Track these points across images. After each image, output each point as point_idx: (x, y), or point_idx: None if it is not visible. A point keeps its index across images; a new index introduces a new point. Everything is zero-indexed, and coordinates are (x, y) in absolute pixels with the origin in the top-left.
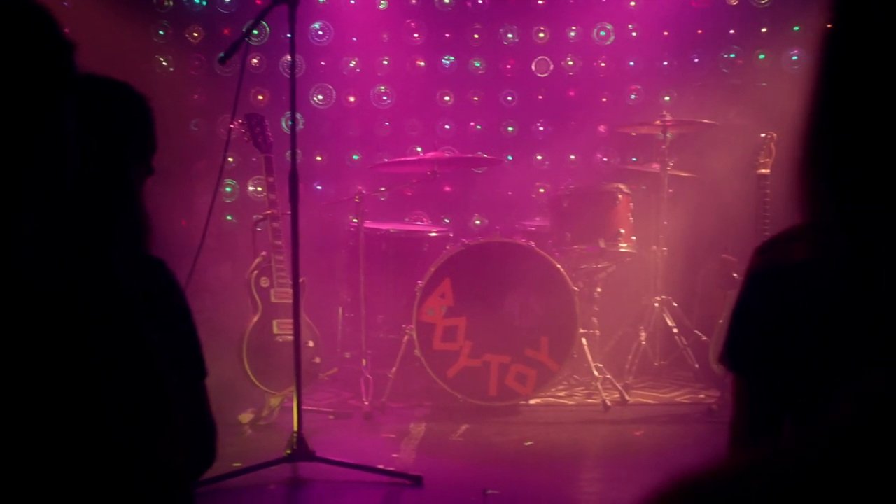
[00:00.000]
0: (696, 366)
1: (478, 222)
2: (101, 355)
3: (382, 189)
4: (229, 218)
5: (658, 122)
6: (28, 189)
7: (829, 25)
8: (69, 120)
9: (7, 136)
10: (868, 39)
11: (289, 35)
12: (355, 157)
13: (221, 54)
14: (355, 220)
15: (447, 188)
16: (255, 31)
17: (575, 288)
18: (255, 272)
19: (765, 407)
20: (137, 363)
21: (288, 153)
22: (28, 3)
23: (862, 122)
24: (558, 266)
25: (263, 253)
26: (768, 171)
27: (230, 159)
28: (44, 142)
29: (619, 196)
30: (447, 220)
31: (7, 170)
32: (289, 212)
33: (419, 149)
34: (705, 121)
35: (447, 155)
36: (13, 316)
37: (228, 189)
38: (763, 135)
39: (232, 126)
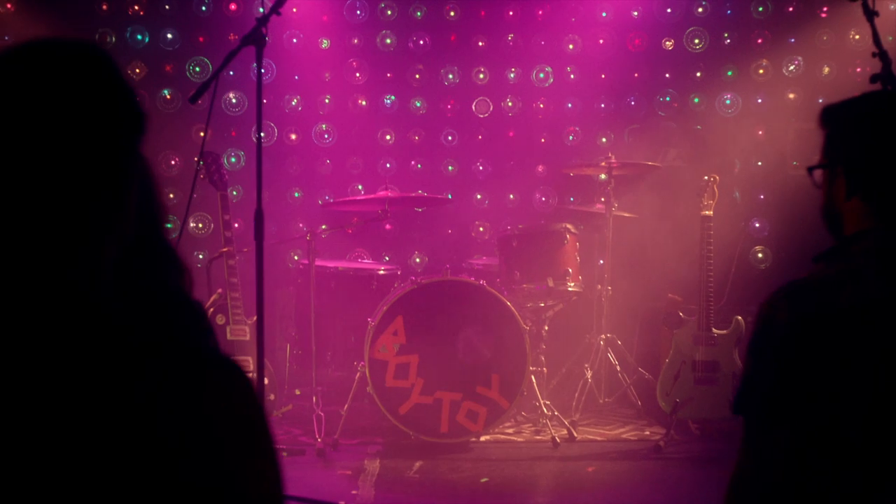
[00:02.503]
0: (639, 403)
1: (418, 260)
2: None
3: (324, 227)
4: None
5: (603, 163)
6: (112, 230)
7: None
8: (140, 159)
9: (97, 181)
10: None
11: (231, 73)
12: (297, 194)
13: (165, 91)
14: (296, 258)
15: (388, 226)
16: (219, 70)
17: (525, 326)
18: (211, 310)
19: (778, 449)
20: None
21: (230, 190)
22: (97, 50)
23: None
24: (509, 304)
25: (219, 290)
26: (711, 212)
27: (171, 195)
28: (125, 183)
29: (567, 236)
30: (388, 258)
31: (95, 214)
32: (245, 249)
33: (360, 187)
34: (648, 163)
35: (394, 194)
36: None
37: (169, 226)
38: (706, 177)
39: (176, 160)
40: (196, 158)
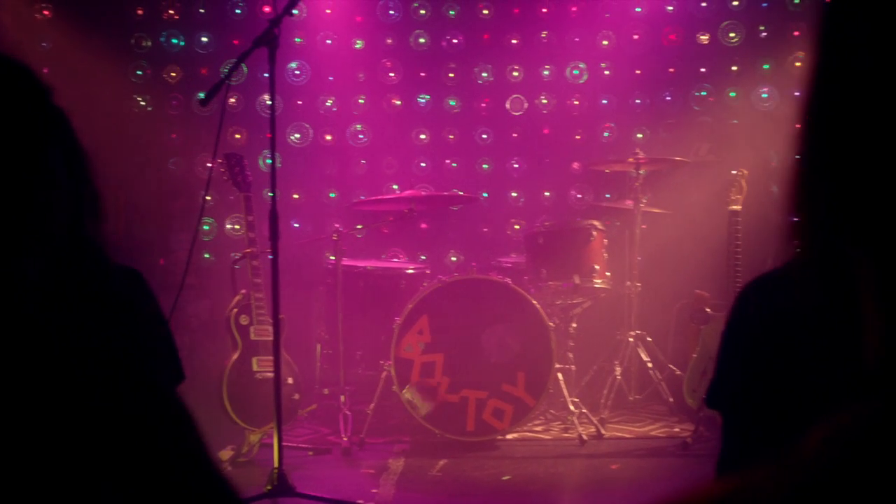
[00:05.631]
0: (671, 399)
1: (454, 259)
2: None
3: (359, 227)
4: (207, 256)
5: (631, 159)
6: (30, 234)
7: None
8: (58, 160)
9: (6, 185)
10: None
11: (266, 75)
12: (332, 195)
13: (201, 94)
14: (332, 258)
15: (423, 225)
16: (230, 72)
17: (551, 324)
18: (235, 310)
19: (749, 444)
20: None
21: (265, 192)
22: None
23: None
24: (534, 302)
25: (243, 291)
26: (739, 207)
27: (208, 198)
28: (40, 186)
29: (594, 233)
30: (424, 257)
31: (9, 218)
32: (267, 250)
33: (395, 186)
34: (678, 158)
35: (424, 193)
36: (23, 360)
37: (206, 227)
38: (734, 172)
39: (209, 165)
40: (217, 160)
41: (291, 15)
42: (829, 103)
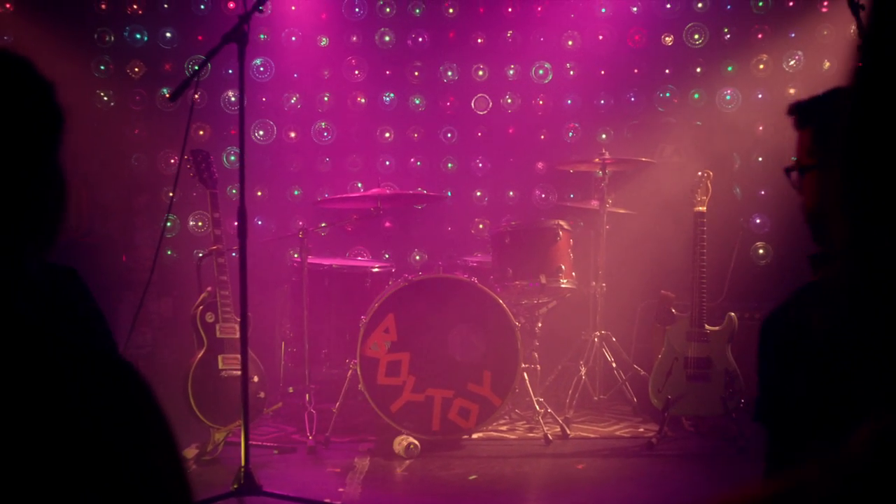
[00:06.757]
0: (635, 400)
1: (418, 258)
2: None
3: (323, 225)
4: (170, 253)
5: (597, 159)
6: (30, 229)
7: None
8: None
9: (11, 182)
10: None
11: (230, 71)
12: (296, 192)
13: (164, 90)
14: (296, 256)
15: (387, 224)
16: (199, 68)
17: (517, 323)
18: (201, 307)
19: (796, 454)
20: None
21: (229, 189)
22: (5, 53)
23: None
24: (500, 301)
25: (209, 288)
26: (705, 208)
27: (170, 194)
28: (43, 183)
29: (560, 232)
30: (387, 256)
31: (10, 212)
32: (233, 247)
33: (360, 185)
34: (643, 159)
35: (389, 191)
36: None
37: (169, 224)
38: (700, 173)
39: (173, 161)
40: (182, 156)
41: (260, 11)
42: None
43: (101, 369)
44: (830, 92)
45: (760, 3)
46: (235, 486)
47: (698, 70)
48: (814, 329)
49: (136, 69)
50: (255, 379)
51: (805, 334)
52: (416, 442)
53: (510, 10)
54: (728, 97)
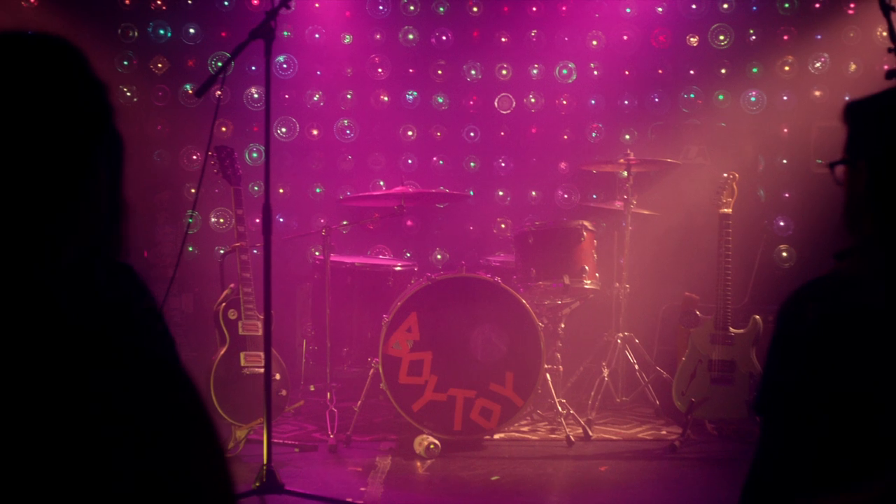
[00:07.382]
0: (658, 402)
1: (439, 257)
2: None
3: (346, 223)
4: (191, 249)
5: (622, 160)
6: (72, 227)
7: None
8: (105, 156)
9: (58, 176)
10: None
11: (253, 68)
12: (318, 190)
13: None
14: (317, 253)
15: (409, 223)
16: (224, 65)
17: (540, 324)
18: (223, 304)
19: (794, 447)
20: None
21: (251, 185)
22: (67, 45)
23: None
24: (524, 302)
25: (232, 285)
26: (730, 210)
27: (192, 190)
28: (89, 180)
29: (584, 233)
30: (409, 255)
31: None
32: (257, 244)
33: (382, 183)
34: (668, 160)
35: (413, 190)
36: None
37: (191, 220)
38: (725, 175)
39: (195, 157)
40: (207, 152)
41: (288, 7)
42: None
43: (146, 370)
44: (884, 92)
45: (787, 5)
46: (257, 484)
47: (723, 71)
48: (853, 316)
49: (160, 65)
50: (277, 377)
51: (805, 325)
52: (437, 442)
53: (534, 9)
54: (753, 99)
